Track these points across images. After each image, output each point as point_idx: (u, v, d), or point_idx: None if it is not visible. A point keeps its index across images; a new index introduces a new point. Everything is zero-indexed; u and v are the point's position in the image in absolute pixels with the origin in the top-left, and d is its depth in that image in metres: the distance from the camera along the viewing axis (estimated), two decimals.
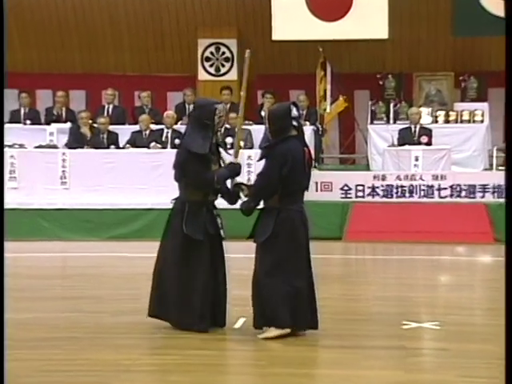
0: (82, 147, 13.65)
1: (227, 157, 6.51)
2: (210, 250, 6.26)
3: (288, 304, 5.96)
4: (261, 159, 6.08)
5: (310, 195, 12.69)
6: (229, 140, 13.26)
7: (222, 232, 6.34)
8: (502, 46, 15.60)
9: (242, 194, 6.25)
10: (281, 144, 6.00)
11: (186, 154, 6.23)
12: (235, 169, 6.29)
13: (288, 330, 6.04)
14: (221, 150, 6.51)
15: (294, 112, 6.09)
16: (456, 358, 5.57)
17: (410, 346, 5.92)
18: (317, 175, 13.24)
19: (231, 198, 6.35)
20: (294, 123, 6.09)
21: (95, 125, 14.01)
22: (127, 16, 15.90)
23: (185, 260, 6.22)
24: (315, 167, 14.11)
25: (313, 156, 6.50)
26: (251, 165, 12.78)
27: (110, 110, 14.83)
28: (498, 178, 13.01)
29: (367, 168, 14.39)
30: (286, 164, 5.92)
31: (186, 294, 6.20)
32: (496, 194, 13.02)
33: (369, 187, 13.26)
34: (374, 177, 13.36)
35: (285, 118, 6.04)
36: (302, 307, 6.00)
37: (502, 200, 12.68)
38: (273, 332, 6.04)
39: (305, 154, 6.10)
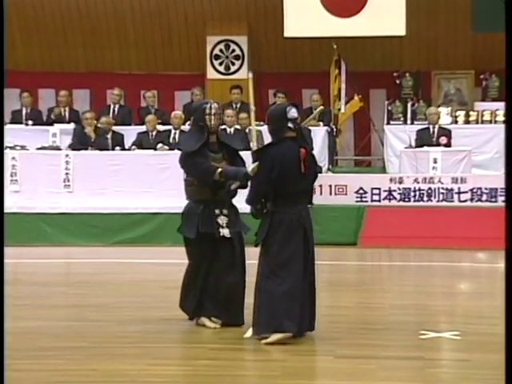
0: (87, 149, 13.51)
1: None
2: (209, 247, 6.59)
3: (283, 309, 5.99)
4: (253, 162, 6.19)
5: (324, 199, 12.71)
6: None
7: (223, 231, 6.61)
8: None
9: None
10: (271, 147, 6.11)
11: (182, 154, 6.71)
12: (245, 178, 6.39)
13: (279, 336, 6.03)
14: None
15: (291, 114, 6.08)
16: (477, 369, 5.50)
17: (429, 356, 5.82)
18: (331, 178, 13.23)
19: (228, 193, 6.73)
20: (290, 125, 6.07)
21: (99, 125, 13.88)
22: (133, 11, 15.71)
23: (188, 256, 6.75)
24: (329, 169, 13.80)
25: (317, 157, 6.56)
26: None
27: (116, 109, 14.72)
28: None
29: (383, 170, 14.23)
30: (273, 167, 5.99)
31: (186, 287, 6.77)
32: None
33: (385, 190, 13.08)
34: (391, 180, 13.11)
35: (280, 119, 6.11)
36: (296, 312, 5.99)
37: None
38: (274, 337, 6.05)
39: (300, 156, 6.03)
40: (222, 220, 6.62)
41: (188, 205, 6.72)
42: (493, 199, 12.82)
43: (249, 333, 6.34)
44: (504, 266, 3.91)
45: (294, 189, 6.05)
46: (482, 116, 14.30)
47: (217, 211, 6.61)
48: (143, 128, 13.81)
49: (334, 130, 14.31)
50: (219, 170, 6.49)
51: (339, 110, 14.48)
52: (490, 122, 14.24)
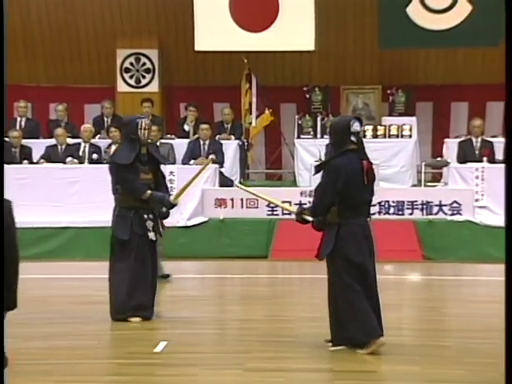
0: None
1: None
2: (138, 248, 7.29)
3: (362, 321, 6.12)
4: (315, 174, 6.38)
5: (236, 212, 12.70)
6: None
7: (151, 234, 7.34)
8: (430, 59, 15.42)
9: (309, 219, 6.43)
10: (335, 159, 6.22)
11: (114, 165, 7.41)
12: (169, 206, 7.45)
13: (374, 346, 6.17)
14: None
15: (355, 127, 6.23)
16: (384, 380, 5.55)
17: (338, 368, 5.84)
18: (242, 191, 13.01)
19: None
20: (353, 138, 6.19)
21: (6, 139, 13.55)
22: (40, 22, 15.44)
23: (115, 257, 7.36)
24: (240, 183, 13.77)
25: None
26: (173, 181, 12.38)
27: (23, 123, 14.47)
28: (427, 194, 13.02)
29: (294, 184, 14.26)
30: (339, 179, 6.11)
31: (114, 286, 7.31)
32: (424, 211, 12.99)
33: (296, 204, 12.99)
34: (301, 193, 13.15)
35: (343, 132, 6.23)
36: (373, 321, 6.16)
37: (431, 217, 12.66)
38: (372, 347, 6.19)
39: (363, 167, 6.18)
40: (149, 224, 7.39)
41: (118, 210, 7.41)
42: (400, 212, 12.97)
43: (159, 347, 6.26)
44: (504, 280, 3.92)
45: (359, 200, 6.20)
46: (389, 130, 14.42)
47: (145, 216, 7.38)
48: (52, 141, 13.61)
49: (246, 143, 14.32)
50: (149, 192, 7.32)
51: (250, 123, 14.53)
52: (397, 136, 14.39)
